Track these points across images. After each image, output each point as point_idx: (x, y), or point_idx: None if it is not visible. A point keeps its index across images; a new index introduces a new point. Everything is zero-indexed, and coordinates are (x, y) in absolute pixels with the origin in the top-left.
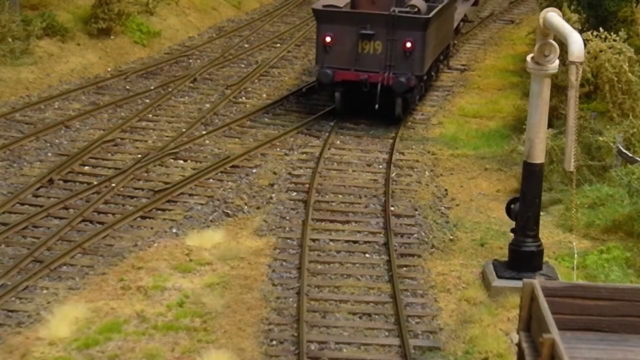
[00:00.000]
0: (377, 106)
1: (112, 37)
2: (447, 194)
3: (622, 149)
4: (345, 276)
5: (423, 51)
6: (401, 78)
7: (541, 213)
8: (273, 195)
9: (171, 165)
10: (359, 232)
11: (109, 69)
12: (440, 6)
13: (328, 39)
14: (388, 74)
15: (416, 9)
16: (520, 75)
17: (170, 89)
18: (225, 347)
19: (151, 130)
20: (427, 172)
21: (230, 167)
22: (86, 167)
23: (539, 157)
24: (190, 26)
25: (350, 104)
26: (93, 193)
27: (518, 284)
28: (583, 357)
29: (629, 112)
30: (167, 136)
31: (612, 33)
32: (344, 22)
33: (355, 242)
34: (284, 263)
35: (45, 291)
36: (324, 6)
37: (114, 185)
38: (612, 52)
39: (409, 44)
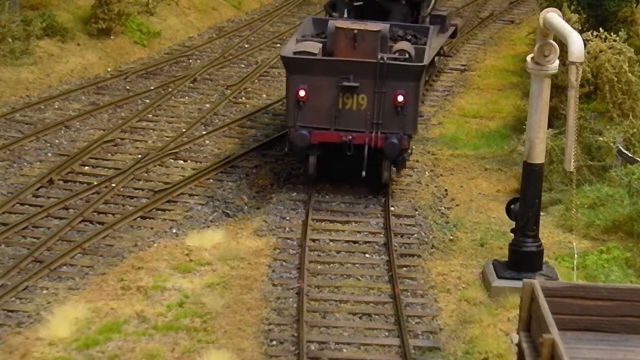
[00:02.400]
0: (364, 173)
1: (112, 37)
2: (447, 194)
3: (622, 149)
4: (345, 276)
5: (416, 105)
6: (392, 139)
7: (541, 213)
8: (273, 195)
9: (171, 165)
10: (359, 232)
11: (109, 69)
12: (428, 47)
13: (302, 93)
14: (376, 133)
15: (406, 55)
16: (520, 76)
17: (170, 89)
18: (225, 347)
19: (151, 131)
20: (427, 172)
21: (230, 167)
22: (86, 167)
23: (539, 158)
24: (190, 26)
25: (327, 170)
26: (93, 193)
27: (518, 284)
28: (583, 357)
29: (629, 112)
30: (167, 136)
31: (612, 33)
32: (320, 72)
33: (355, 242)
34: (284, 263)
35: (45, 291)
36: (295, 53)
37: (114, 185)
38: (612, 53)
39: (400, 98)
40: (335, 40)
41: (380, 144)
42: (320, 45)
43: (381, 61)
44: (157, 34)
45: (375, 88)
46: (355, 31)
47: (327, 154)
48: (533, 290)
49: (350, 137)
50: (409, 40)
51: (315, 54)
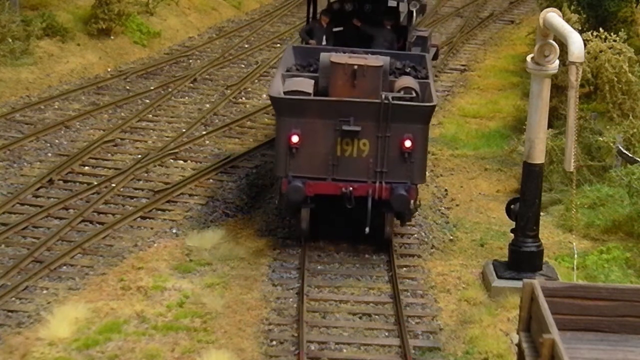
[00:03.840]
0: (367, 230)
1: (112, 37)
2: (447, 194)
3: (622, 149)
4: (345, 276)
5: (425, 150)
6: (399, 190)
7: (541, 213)
8: (273, 195)
9: (171, 165)
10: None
11: (109, 69)
12: (432, 81)
13: (295, 139)
14: (380, 183)
15: (413, 93)
16: (520, 76)
17: (170, 89)
18: (225, 347)
19: (151, 131)
20: (427, 173)
21: (230, 167)
22: (86, 168)
23: (539, 158)
24: (190, 26)
25: (323, 225)
26: (93, 193)
27: (518, 284)
28: (583, 357)
29: (629, 112)
30: (167, 136)
31: (612, 33)
32: (316, 114)
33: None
34: (284, 263)
35: (45, 291)
36: (286, 92)
37: (114, 185)
38: (612, 53)
39: (408, 142)
40: (331, 77)
41: (385, 195)
42: (313, 81)
43: (386, 101)
44: (157, 34)
45: (378, 132)
46: (355, 67)
47: (323, 207)
48: (533, 290)
49: (351, 188)
50: (408, 73)
51: (309, 94)
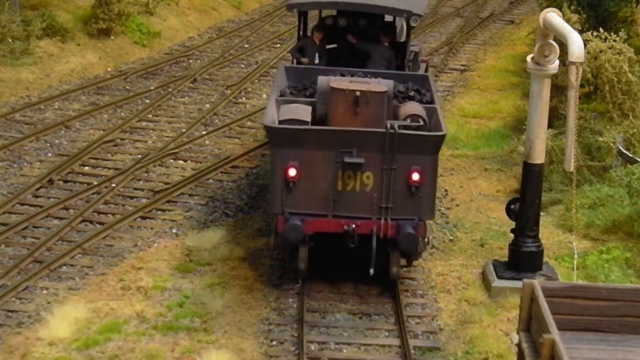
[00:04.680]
0: (372, 271)
1: (112, 37)
2: (447, 194)
3: (622, 149)
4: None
5: (435, 183)
6: (407, 227)
7: (541, 213)
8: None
9: (171, 165)
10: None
11: (109, 70)
12: (438, 106)
13: (292, 172)
14: (385, 220)
15: (420, 121)
16: (520, 76)
17: (170, 90)
18: (225, 347)
19: (151, 131)
20: None
21: (230, 167)
22: (86, 168)
23: (539, 158)
24: (190, 26)
25: (322, 264)
26: (93, 193)
27: (518, 284)
28: (583, 357)
29: (629, 112)
30: (167, 136)
31: (612, 33)
32: (315, 145)
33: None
34: (284, 263)
35: (45, 291)
36: (281, 121)
37: (114, 185)
38: (612, 53)
39: (416, 175)
40: (330, 104)
41: (391, 233)
42: (310, 108)
43: (391, 131)
44: (157, 34)
45: (383, 164)
46: (357, 93)
47: (322, 245)
48: (533, 291)
49: (354, 225)
50: (412, 97)
51: (307, 122)
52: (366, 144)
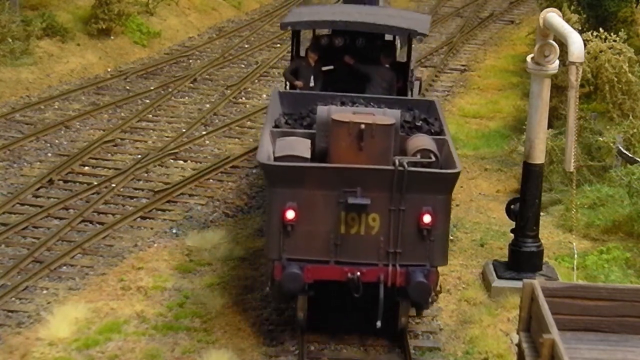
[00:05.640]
0: (379, 324)
1: (112, 37)
2: None
3: (622, 149)
4: None
5: (448, 226)
6: (417, 275)
7: (541, 213)
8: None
9: (171, 165)
10: None
11: (109, 70)
12: (449, 137)
13: (290, 214)
14: (394, 267)
15: (431, 156)
16: (520, 76)
17: (170, 90)
18: (225, 347)
19: (151, 131)
20: None
21: (230, 167)
22: (86, 168)
23: (539, 158)
24: (190, 26)
25: (322, 313)
26: (93, 193)
27: (518, 284)
28: (583, 357)
29: (629, 112)
30: (167, 136)
31: (612, 33)
32: (316, 184)
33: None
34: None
35: (45, 291)
36: (278, 158)
37: (114, 185)
38: (612, 53)
39: (427, 217)
40: (331, 137)
41: (399, 281)
42: (309, 142)
43: (400, 168)
44: (157, 34)
45: (391, 205)
46: (362, 126)
47: (323, 293)
48: (533, 291)
49: (358, 272)
50: (419, 127)
51: (307, 159)
52: (372, 183)
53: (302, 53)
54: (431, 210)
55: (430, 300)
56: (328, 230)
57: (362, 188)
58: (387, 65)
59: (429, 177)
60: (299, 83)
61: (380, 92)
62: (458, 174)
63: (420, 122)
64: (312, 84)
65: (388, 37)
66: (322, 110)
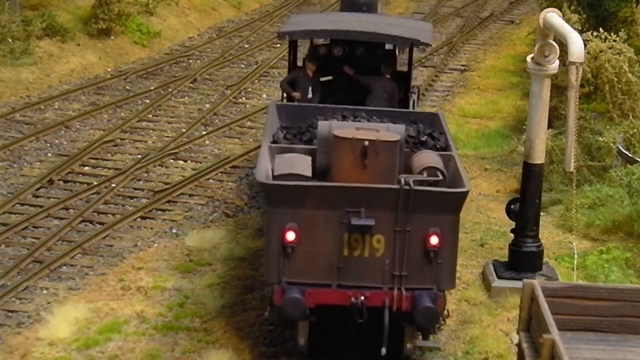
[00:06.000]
0: (383, 350)
1: (112, 37)
2: None
3: (622, 149)
4: None
5: (456, 248)
6: (424, 300)
7: (541, 213)
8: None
9: (171, 165)
10: None
11: (109, 70)
12: (454, 153)
13: (290, 236)
14: (399, 290)
15: (438, 174)
16: (520, 76)
17: (170, 90)
18: (225, 347)
19: (151, 131)
20: None
21: (230, 167)
22: (86, 168)
23: (539, 158)
24: (190, 26)
25: (324, 339)
26: (93, 193)
27: (518, 284)
28: (583, 357)
29: (629, 112)
30: (167, 136)
31: (612, 33)
32: (317, 203)
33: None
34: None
35: (45, 291)
36: (277, 176)
37: (114, 185)
38: (612, 53)
39: (434, 239)
40: (333, 154)
41: (405, 305)
42: (309, 159)
43: (406, 187)
44: (157, 34)
45: (396, 226)
46: (366, 143)
47: (325, 318)
48: (533, 291)
49: (362, 297)
50: (424, 143)
51: (308, 177)
52: (376, 203)
53: (300, 62)
54: (438, 232)
55: (437, 326)
56: (330, 252)
57: (366, 208)
58: (387, 76)
59: (437, 196)
60: (296, 94)
61: (381, 104)
62: (467, 193)
63: (425, 136)
64: (310, 95)
65: (388, 46)
66: (323, 125)
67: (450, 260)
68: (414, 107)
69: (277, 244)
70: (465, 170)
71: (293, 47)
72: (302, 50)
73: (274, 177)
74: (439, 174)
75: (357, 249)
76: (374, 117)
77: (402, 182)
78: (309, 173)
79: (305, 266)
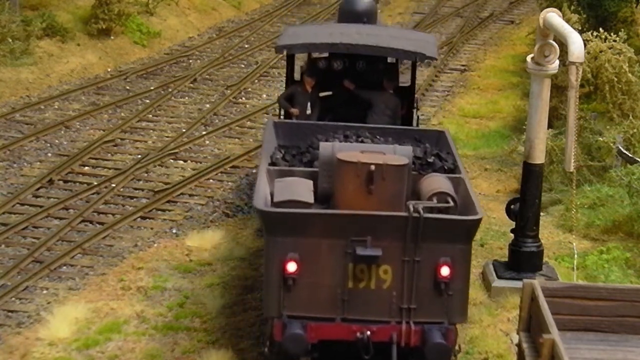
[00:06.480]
0: None
1: (112, 37)
2: None
3: (622, 149)
4: None
5: (468, 279)
6: (435, 335)
7: (541, 213)
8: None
9: (171, 165)
10: None
11: (109, 70)
12: (465, 176)
13: (292, 267)
14: (407, 324)
15: (449, 201)
16: (520, 76)
17: (170, 90)
18: (225, 347)
19: (151, 131)
20: None
21: (230, 167)
22: (86, 168)
23: (539, 158)
24: (190, 26)
25: None
26: (93, 193)
27: (518, 284)
28: (583, 357)
29: (629, 112)
30: (167, 136)
31: (612, 33)
32: (321, 232)
33: None
34: None
35: (45, 291)
36: (277, 203)
37: (114, 185)
38: (612, 53)
39: (445, 270)
40: (337, 179)
41: (414, 340)
42: (311, 183)
43: (415, 214)
44: (157, 34)
45: (405, 255)
46: (372, 167)
47: (329, 354)
48: (533, 291)
49: (368, 332)
50: (432, 164)
51: (310, 204)
52: (383, 231)
53: (298, 77)
54: (449, 262)
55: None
56: (334, 284)
57: (372, 237)
58: (390, 91)
59: (448, 224)
60: (294, 111)
61: (384, 119)
62: (479, 220)
63: (432, 157)
64: (309, 111)
65: (390, 59)
66: (325, 147)
67: (462, 292)
68: (417, 124)
69: (277, 276)
70: (476, 195)
71: (290, 61)
72: (299, 63)
73: (274, 204)
74: (450, 199)
75: (362, 281)
76: (378, 136)
77: (411, 209)
78: (310, 199)
79: (308, 299)
